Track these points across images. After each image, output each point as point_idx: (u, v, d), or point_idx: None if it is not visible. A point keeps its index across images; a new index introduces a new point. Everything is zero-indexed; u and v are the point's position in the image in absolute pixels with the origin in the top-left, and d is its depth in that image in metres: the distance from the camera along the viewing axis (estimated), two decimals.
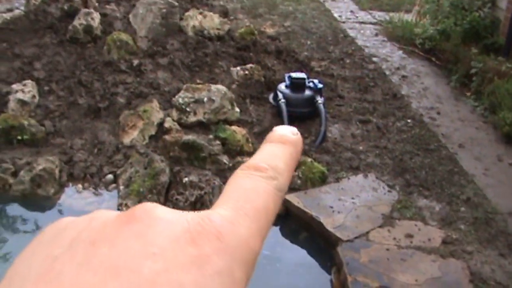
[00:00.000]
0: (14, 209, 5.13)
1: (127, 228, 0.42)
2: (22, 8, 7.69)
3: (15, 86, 6.09)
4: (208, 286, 0.39)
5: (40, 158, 5.27)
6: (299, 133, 0.58)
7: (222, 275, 0.41)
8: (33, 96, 6.05)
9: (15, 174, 5.24)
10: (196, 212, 0.45)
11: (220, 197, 0.49)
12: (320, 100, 6.49)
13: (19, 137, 5.56)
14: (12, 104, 5.91)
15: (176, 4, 8.00)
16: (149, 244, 0.40)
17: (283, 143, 0.56)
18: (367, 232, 4.80)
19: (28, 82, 6.18)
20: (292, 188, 5.25)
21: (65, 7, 7.31)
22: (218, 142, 5.77)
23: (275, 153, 0.55)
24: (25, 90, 6.04)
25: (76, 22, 6.99)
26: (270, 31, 9.79)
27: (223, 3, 10.58)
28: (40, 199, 5.14)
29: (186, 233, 0.42)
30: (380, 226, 4.89)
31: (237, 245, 0.43)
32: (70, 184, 5.36)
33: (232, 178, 0.51)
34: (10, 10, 7.57)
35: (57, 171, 5.22)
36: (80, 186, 5.33)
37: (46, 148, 5.59)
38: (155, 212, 0.44)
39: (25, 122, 5.64)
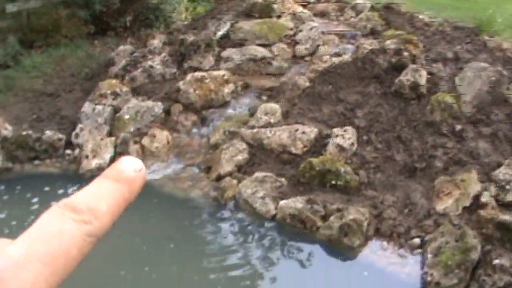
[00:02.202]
0: (319, 252, 5.55)
1: None
2: (349, 53, 8.31)
3: (335, 131, 6.64)
4: None
5: (351, 207, 5.64)
6: (143, 169, 0.57)
7: None
8: (352, 144, 6.52)
9: (324, 217, 5.68)
10: None
11: (26, 230, 0.51)
12: None
13: (333, 182, 6.03)
14: (330, 148, 6.43)
15: (506, 73, 8.00)
16: None
17: (117, 181, 0.55)
18: None
19: (349, 128, 6.69)
20: None
21: (393, 60, 7.74)
22: None
23: (102, 192, 0.54)
24: (345, 136, 6.54)
25: (403, 77, 7.37)
26: None
27: None
28: (343, 248, 5.50)
29: None
30: None
31: None
32: (375, 239, 5.62)
33: (45, 214, 0.52)
34: (338, 54, 8.22)
35: (365, 224, 5.54)
36: (385, 243, 5.57)
37: (357, 198, 5.96)
38: None
39: (341, 168, 6.10)
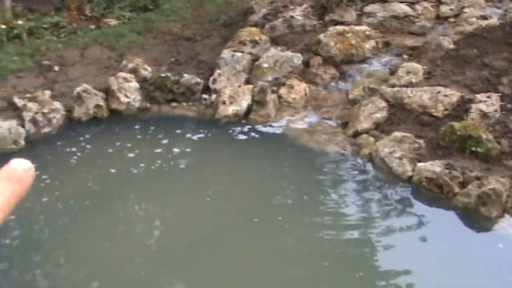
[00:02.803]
0: (454, 219, 5.46)
1: None
2: (495, 17, 8.01)
3: (479, 96, 6.43)
4: None
5: (491, 177, 5.47)
6: (32, 168, 0.63)
7: None
8: (495, 111, 6.31)
9: (461, 184, 5.56)
10: None
11: None
12: None
13: (473, 149, 5.87)
14: (473, 114, 6.25)
15: None
16: None
17: (8, 180, 0.60)
18: None
19: (493, 95, 6.46)
20: None
21: None
22: None
23: None
24: (488, 103, 6.33)
25: None
26: None
27: None
28: (480, 217, 5.36)
29: None
30: None
31: None
32: None
33: None
34: (484, 17, 7.95)
35: (505, 195, 5.38)
36: None
37: (497, 167, 5.78)
38: None
39: (483, 135, 5.92)
